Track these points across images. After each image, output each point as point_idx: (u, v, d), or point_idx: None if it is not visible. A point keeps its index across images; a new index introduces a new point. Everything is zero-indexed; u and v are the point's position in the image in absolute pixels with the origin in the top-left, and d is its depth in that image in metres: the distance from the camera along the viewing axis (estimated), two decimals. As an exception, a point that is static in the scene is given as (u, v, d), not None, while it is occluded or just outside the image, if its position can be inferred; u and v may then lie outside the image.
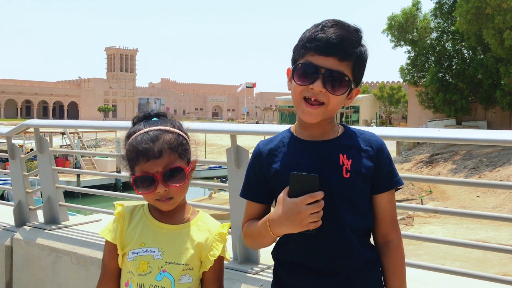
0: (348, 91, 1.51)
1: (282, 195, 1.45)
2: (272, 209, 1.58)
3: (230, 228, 2.87)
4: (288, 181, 1.44)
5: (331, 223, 1.49)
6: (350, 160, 1.53)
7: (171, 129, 1.64)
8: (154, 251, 1.61)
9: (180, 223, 1.68)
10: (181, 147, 1.62)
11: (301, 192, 1.41)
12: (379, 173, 1.57)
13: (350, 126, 1.65)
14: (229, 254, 1.74)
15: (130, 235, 1.66)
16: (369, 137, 1.60)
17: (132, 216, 1.70)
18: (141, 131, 1.61)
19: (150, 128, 1.61)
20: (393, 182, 1.59)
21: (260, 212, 1.63)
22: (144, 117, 1.68)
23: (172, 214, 1.67)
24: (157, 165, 1.56)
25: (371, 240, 1.64)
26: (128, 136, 1.64)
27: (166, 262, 1.61)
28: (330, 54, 1.46)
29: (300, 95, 1.51)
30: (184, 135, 1.67)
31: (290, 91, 1.59)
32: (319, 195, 1.40)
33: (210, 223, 1.71)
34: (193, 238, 1.65)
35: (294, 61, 1.56)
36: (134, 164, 1.59)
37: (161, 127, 1.62)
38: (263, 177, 1.60)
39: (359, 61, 1.51)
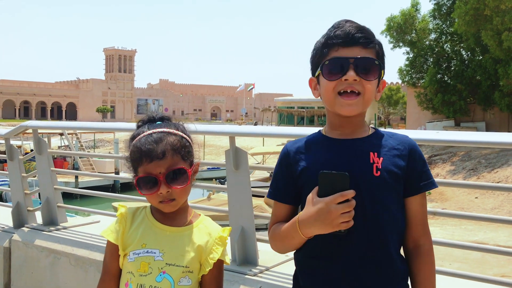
0: (379, 77, 1.52)
1: (311, 195, 1.43)
2: (299, 211, 1.55)
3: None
4: (316, 177, 1.41)
5: (360, 224, 1.44)
6: (381, 159, 1.50)
7: (175, 131, 1.66)
8: (155, 252, 1.63)
9: (182, 226, 1.69)
10: (184, 149, 1.64)
11: (331, 191, 1.38)
12: (412, 174, 1.52)
13: (381, 129, 1.62)
14: (229, 258, 1.74)
15: (131, 236, 1.67)
16: (401, 138, 1.58)
17: (134, 217, 1.71)
18: (145, 133, 1.63)
19: (154, 130, 1.63)
20: (428, 183, 1.55)
21: (288, 214, 1.59)
22: (149, 120, 1.70)
23: (174, 216, 1.68)
24: (160, 166, 1.58)
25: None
26: (132, 138, 1.66)
27: (166, 263, 1.62)
28: (353, 43, 1.48)
29: (334, 91, 1.49)
30: (187, 137, 1.69)
31: (316, 97, 1.60)
32: (350, 193, 1.37)
33: (211, 226, 1.73)
34: (194, 240, 1.66)
35: (315, 66, 1.56)
36: (137, 165, 1.61)
37: (165, 129, 1.64)
38: (291, 177, 1.57)
39: (380, 48, 1.54)
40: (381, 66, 1.51)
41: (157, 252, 1.63)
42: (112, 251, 1.70)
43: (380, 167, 1.48)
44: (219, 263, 1.69)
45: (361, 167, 1.48)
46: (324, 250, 1.50)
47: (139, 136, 1.63)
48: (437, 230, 14.15)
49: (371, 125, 1.61)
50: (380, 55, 1.53)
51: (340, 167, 1.43)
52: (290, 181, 1.57)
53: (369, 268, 1.47)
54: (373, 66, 1.49)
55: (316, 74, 1.55)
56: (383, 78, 1.56)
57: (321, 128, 1.64)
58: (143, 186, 1.60)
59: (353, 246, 1.46)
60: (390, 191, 1.49)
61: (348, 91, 1.47)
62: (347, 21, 1.52)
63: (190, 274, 1.64)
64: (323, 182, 1.40)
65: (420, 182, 1.54)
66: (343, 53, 1.48)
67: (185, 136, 1.68)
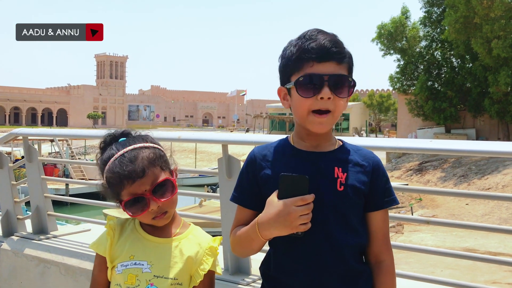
0: (349, 92, 1.52)
1: (271, 197, 1.45)
2: None
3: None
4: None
5: (322, 236, 1.48)
6: (345, 174, 1.52)
7: (146, 144, 1.62)
8: (143, 264, 1.60)
9: (171, 236, 1.66)
10: (160, 160, 1.61)
11: (291, 194, 1.40)
12: (375, 190, 1.55)
13: (345, 141, 1.64)
14: (220, 268, 1.71)
15: (119, 248, 1.64)
16: (366, 153, 1.60)
17: (123, 229, 1.68)
18: (116, 156, 1.57)
19: (125, 150, 1.58)
20: (389, 200, 1.58)
21: (250, 219, 1.59)
22: (111, 140, 1.65)
23: (163, 227, 1.66)
24: (143, 184, 1.55)
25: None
26: (104, 163, 1.60)
27: (154, 275, 1.59)
28: (329, 59, 1.47)
29: (309, 108, 1.49)
30: (159, 147, 1.66)
31: (285, 107, 1.59)
32: (310, 198, 1.40)
33: (201, 236, 1.69)
34: (183, 252, 1.64)
35: (287, 77, 1.54)
36: (119, 189, 1.56)
37: (136, 146, 1.60)
38: (256, 182, 1.57)
39: (351, 62, 1.54)
40: (352, 83, 1.51)
41: (145, 264, 1.60)
42: (100, 263, 1.68)
43: (344, 182, 1.51)
44: (211, 274, 1.66)
45: (325, 182, 1.50)
46: (287, 264, 1.52)
47: (110, 160, 1.57)
48: (429, 236, 14.19)
49: (341, 135, 1.63)
50: (351, 68, 1.54)
51: None
52: (255, 187, 1.58)
53: (331, 276, 1.49)
54: (346, 83, 1.49)
55: (289, 87, 1.53)
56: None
57: (288, 135, 1.64)
58: (132, 208, 1.57)
59: (315, 258, 1.49)
60: (353, 206, 1.52)
61: (323, 110, 1.48)
62: (319, 31, 1.50)
63: (179, 286, 1.61)
64: (284, 184, 1.42)
65: (383, 198, 1.57)
66: (317, 69, 1.46)
67: (156, 146, 1.65)
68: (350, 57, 1.53)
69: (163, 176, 1.59)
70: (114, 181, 1.55)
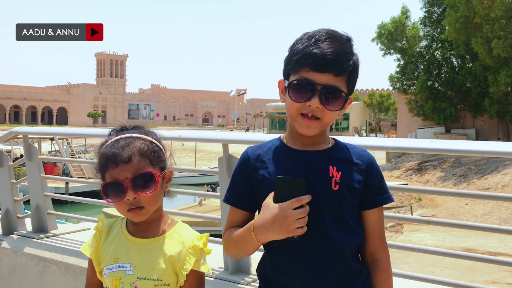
0: (343, 105, 1.51)
1: (267, 200, 1.43)
2: (256, 216, 1.56)
3: (218, 237, 2.86)
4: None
5: (319, 235, 1.47)
6: (340, 173, 1.51)
7: (143, 136, 1.62)
8: (126, 267, 1.58)
9: (154, 237, 1.63)
10: (153, 154, 1.59)
11: (287, 197, 1.39)
12: (369, 188, 1.55)
13: (340, 140, 1.64)
14: (207, 267, 1.63)
15: (105, 251, 1.64)
16: (360, 152, 1.59)
17: (110, 230, 1.67)
18: (112, 140, 1.60)
19: (121, 136, 1.60)
20: (384, 198, 1.58)
21: (243, 220, 1.58)
22: (121, 130, 1.66)
23: (146, 227, 1.63)
24: (126, 170, 1.53)
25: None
26: (101, 146, 1.63)
27: (137, 277, 1.57)
28: (326, 70, 1.45)
29: (297, 111, 1.49)
30: (157, 143, 1.64)
31: (281, 101, 1.58)
32: (306, 198, 1.39)
33: (185, 235, 1.64)
34: (166, 252, 1.60)
35: (287, 73, 1.54)
36: (104, 171, 1.56)
37: (133, 135, 1.61)
38: (249, 183, 1.56)
39: (353, 73, 1.51)
40: (346, 98, 1.50)
41: (128, 266, 1.58)
42: (91, 264, 1.67)
43: (338, 181, 1.50)
44: (198, 273, 1.61)
45: (320, 181, 1.49)
46: (284, 265, 1.51)
47: (107, 143, 1.60)
48: (428, 236, 14.19)
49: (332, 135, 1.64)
50: (352, 79, 1.51)
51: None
52: (249, 188, 1.56)
53: (329, 275, 1.48)
54: (339, 96, 1.48)
55: (285, 85, 1.53)
56: (350, 97, 1.54)
57: (281, 135, 1.64)
58: (110, 193, 1.55)
59: (312, 259, 1.48)
60: (348, 204, 1.52)
61: (309, 115, 1.48)
62: (328, 37, 1.47)
63: (165, 287, 1.58)
64: (280, 187, 1.41)
65: (378, 196, 1.56)
66: (313, 77, 1.45)
67: (154, 141, 1.63)
68: (352, 70, 1.49)
69: (149, 169, 1.56)
70: (101, 162, 1.57)
